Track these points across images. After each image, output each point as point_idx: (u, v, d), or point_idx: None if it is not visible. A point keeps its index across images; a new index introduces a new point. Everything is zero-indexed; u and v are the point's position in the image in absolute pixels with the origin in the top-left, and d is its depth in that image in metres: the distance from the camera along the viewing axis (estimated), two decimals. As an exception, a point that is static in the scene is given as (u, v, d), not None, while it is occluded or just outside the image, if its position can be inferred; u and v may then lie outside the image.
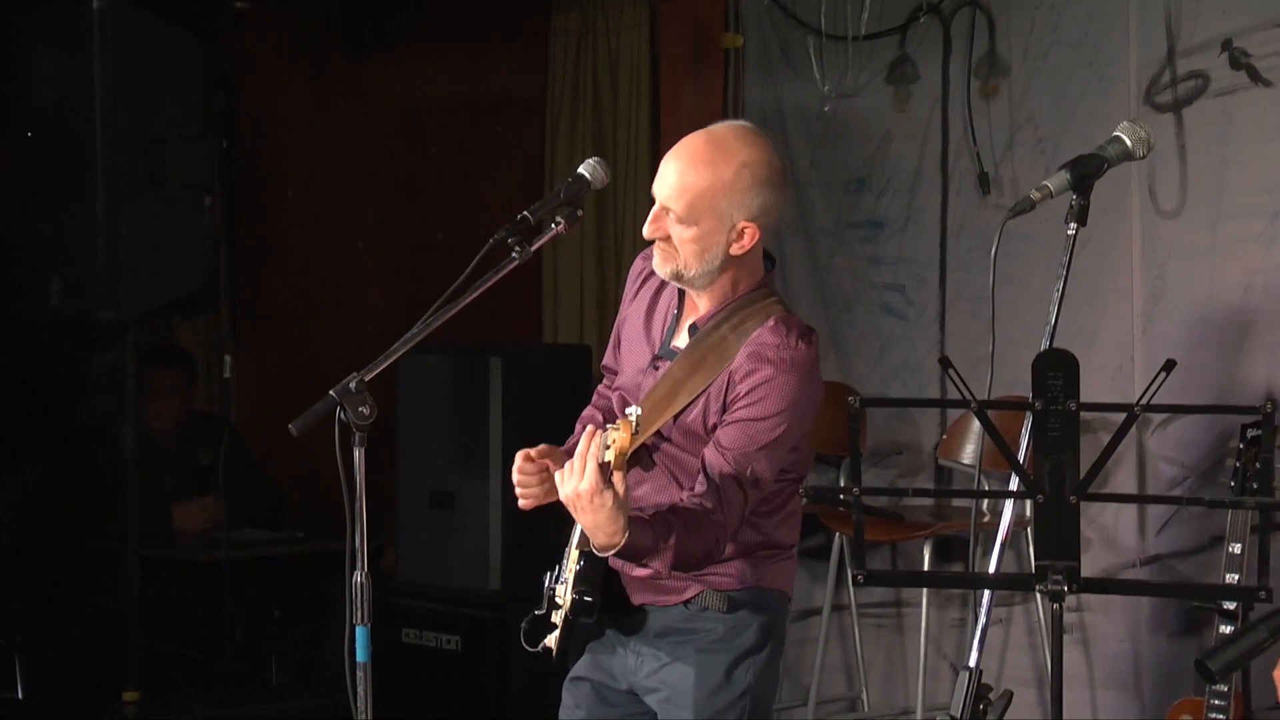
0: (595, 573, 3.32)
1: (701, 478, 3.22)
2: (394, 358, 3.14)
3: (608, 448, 3.02)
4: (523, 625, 3.53)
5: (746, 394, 3.22)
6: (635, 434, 3.03)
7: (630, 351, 3.49)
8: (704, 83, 5.85)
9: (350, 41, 6.88)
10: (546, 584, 3.53)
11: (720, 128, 3.32)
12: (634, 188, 6.03)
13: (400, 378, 5.31)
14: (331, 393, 3.01)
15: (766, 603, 3.41)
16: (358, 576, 3.02)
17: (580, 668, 3.51)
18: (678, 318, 3.43)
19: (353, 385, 3.02)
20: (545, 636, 3.48)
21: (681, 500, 3.23)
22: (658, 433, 3.30)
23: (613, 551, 3.12)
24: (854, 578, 2.42)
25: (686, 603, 3.38)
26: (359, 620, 3.03)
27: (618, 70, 6.12)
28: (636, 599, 3.41)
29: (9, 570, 5.70)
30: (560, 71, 6.26)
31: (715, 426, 3.26)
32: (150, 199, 4.83)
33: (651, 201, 3.38)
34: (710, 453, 3.23)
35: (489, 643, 5.08)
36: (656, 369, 3.35)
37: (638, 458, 3.33)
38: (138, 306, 4.85)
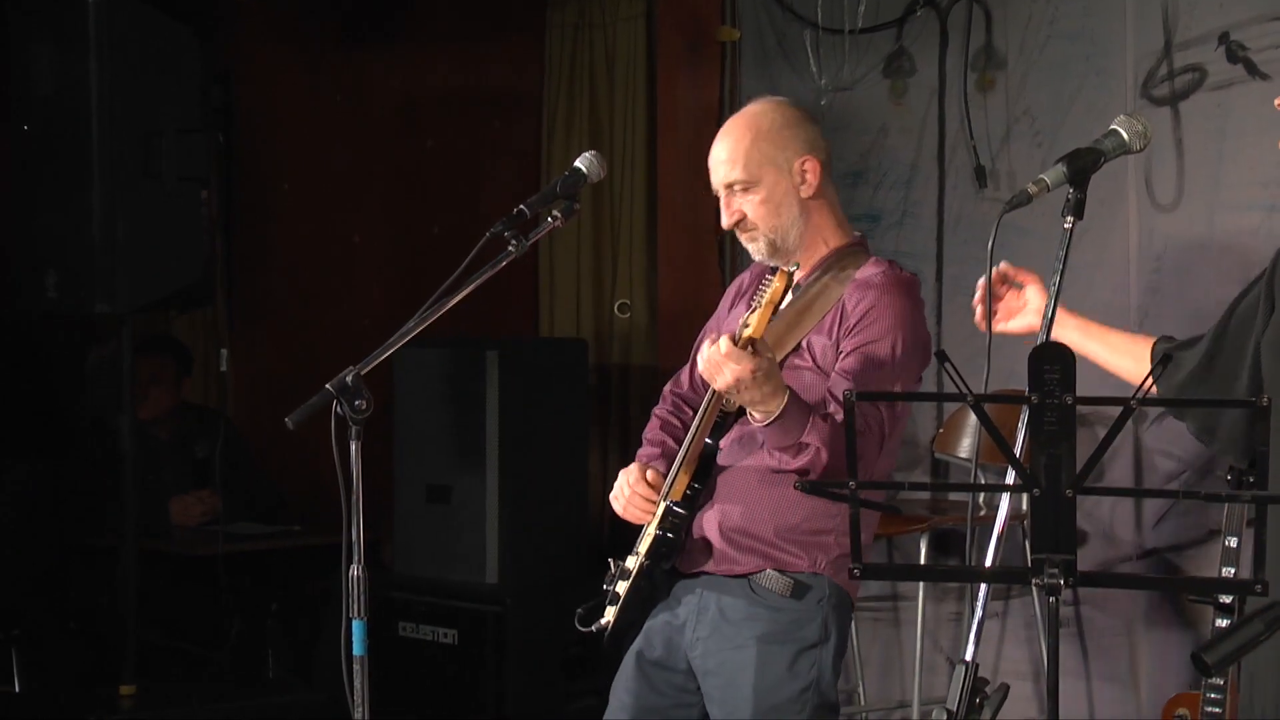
0: (679, 520, 3.41)
1: (834, 406, 3.29)
2: (390, 351, 3.14)
3: (746, 326, 3.16)
4: (579, 610, 3.55)
5: (858, 321, 3.36)
6: (789, 286, 3.18)
7: None
8: (700, 76, 5.85)
9: (348, 35, 6.88)
10: (612, 570, 3.57)
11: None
12: (630, 181, 6.03)
13: (397, 371, 5.31)
14: (328, 386, 3.01)
15: (834, 594, 3.44)
16: (354, 570, 3.02)
17: (637, 644, 3.53)
18: None
19: (349, 379, 3.02)
20: (599, 618, 3.51)
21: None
22: None
23: (772, 418, 3.20)
24: (850, 571, 2.42)
25: (750, 579, 3.39)
26: (356, 614, 3.03)
27: (614, 64, 6.12)
28: (699, 564, 3.43)
29: (6, 565, 5.70)
30: (557, 65, 6.26)
31: (829, 361, 3.37)
32: (147, 192, 4.82)
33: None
34: (836, 382, 3.33)
35: (486, 636, 5.09)
36: None
37: (742, 415, 3.40)
38: (134, 300, 4.85)
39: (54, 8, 4.88)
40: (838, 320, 3.39)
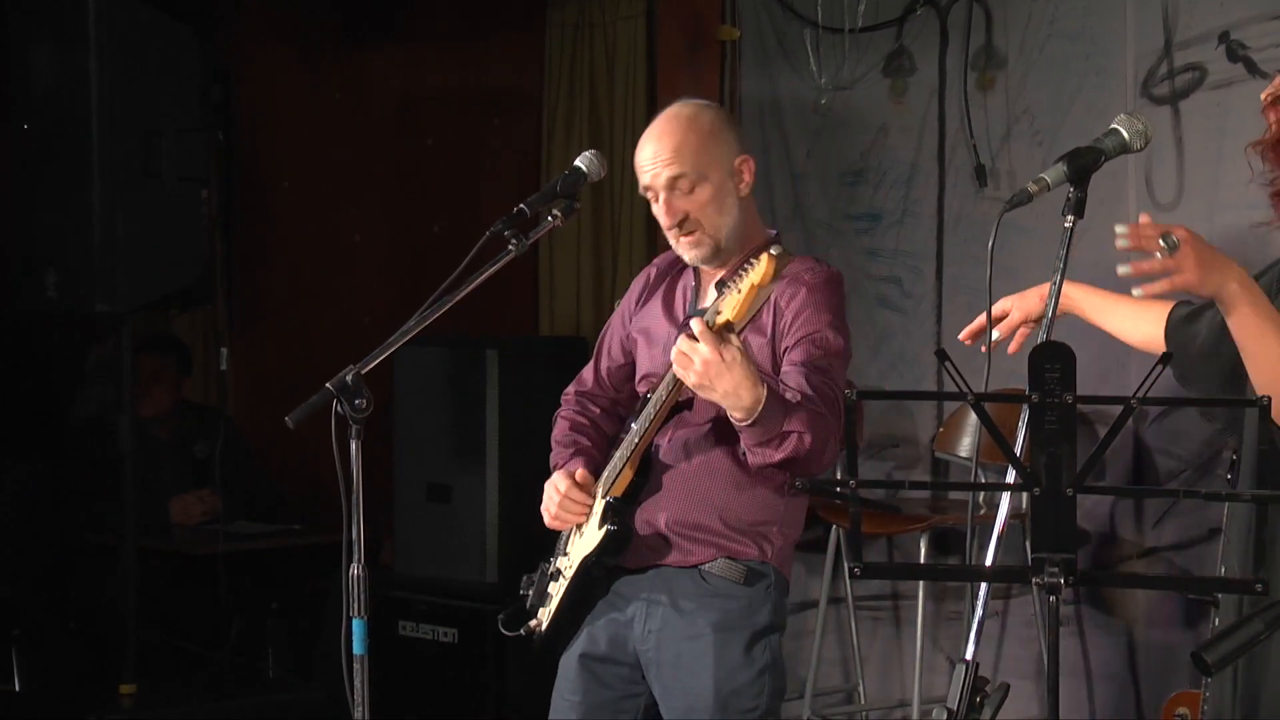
0: (623, 515, 3.40)
1: (792, 394, 3.25)
2: (391, 350, 3.14)
3: (718, 313, 3.07)
4: (500, 616, 3.56)
5: (794, 315, 3.34)
6: (778, 270, 3.04)
7: (654, 341, 3.53)
8: (700, 75, 5.84)
9: (347, 34, 6.88)
10: (529, 576, 3.57)
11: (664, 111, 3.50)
12: (630, 180, 5.97)
13: (397, 370, 5.31)
14: (328, 385, 3.01)
15: (779, 581, 3.45)
16: (354, 569, 3.02)
17: (578, 645, 3.52)
18: (697, 288, 3.54)
19: (349, 378, 3.02)
20: (527, 621, 3.52)
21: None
22: None
23: (758, 411, 3.11)
24: (851, 570, 2.42)
25: (700, 569, 3.40)
26: (356, 613, 3.03)
27: (614, 63, 6.12)
28: (649, 559, 3.43)
29: (7, 564, 5.69)
30: (557, 64, 6.26)
31: (764, 359, 3.35)
32: (147, 191, 4.82)
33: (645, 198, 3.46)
34: (790, 373, 3.30)
35: (486, 635, 5.08)
36: None
37: (682, 410, 3.39)
38: (134, 299, 4.84)
39: (54, 7, 4.88)
40: (772, 319, 3.37)
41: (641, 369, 3.58)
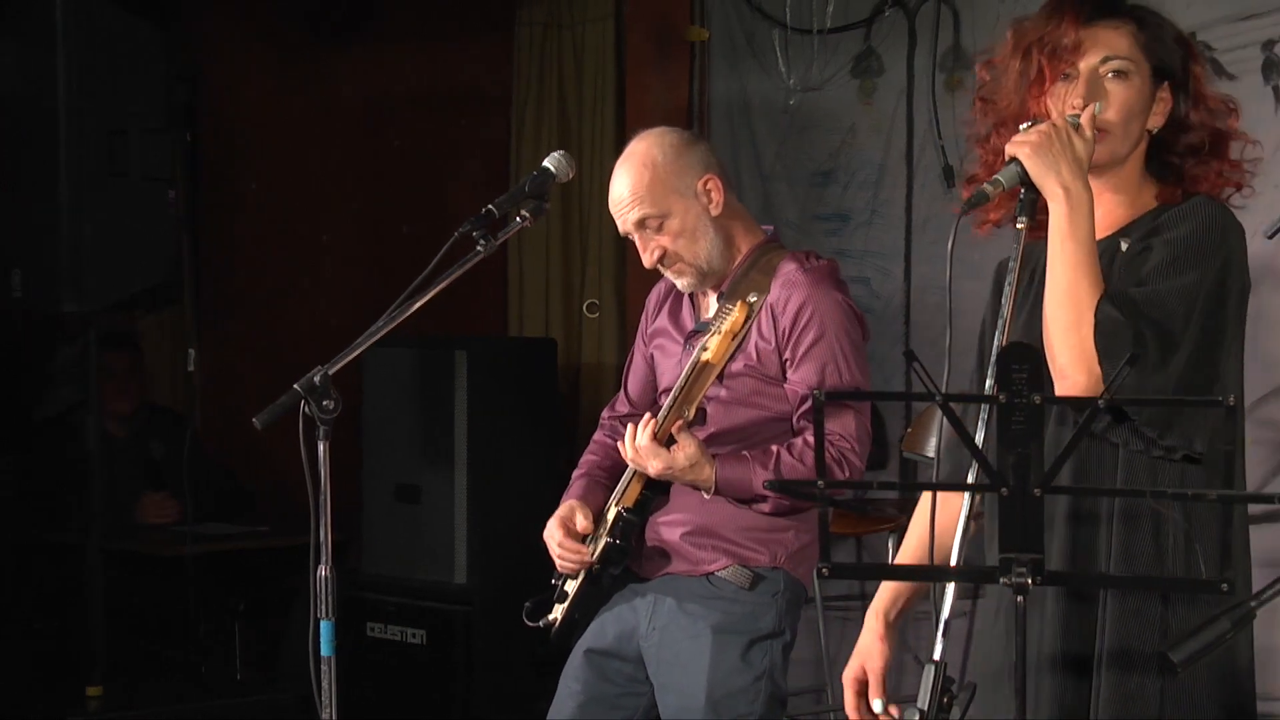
0: (630, 527, 3.46)
1: (800, 418, 3.37)
2: (359, 351, 3.13)
3: (705, 350, 3.26)
4: (526, 604, 3.58)
5: (792, 323, 3.39)
6: (750, 316, 3.28)
7: (668, 356, 3.57)
8: (669, 76, 5.85)
9: (315, 34, 6.86)
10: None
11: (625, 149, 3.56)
12: (599, 181, 6.02)
13: (365, 371, 5.30)
14: (296, 386, 3.00)
15: (789, 589, 3.46)
16: (322, 570, 3.01)
17: (586, 638, 3.56)
18: (694, 300, 3.60)
19: (317, 379, 3.01)
20: (547, 613, 3.55)
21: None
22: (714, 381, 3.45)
23: (713, 489, 3.37)
24: (819, 571, 2.42)
25: (710, 576, 3.42)
26: (323, 614, 3.02)
27: (583, 63, 6.12)
28: (662, 568, 3.46)
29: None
30: (526, 64, 6.25)
31: (772, 364, 3.41)
32: (113, 191, 4.80)
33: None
34: (797, 395, 3.39)
35: (455, 637, 5.08)
36: (693, 346, 3.42)
37: (693, 426, 3.46)
38: (101, 299, 4.83)
39: (19, 6, 4.86)
40: (771, 320, 3.40)
41: (661, 383, 3.64)
